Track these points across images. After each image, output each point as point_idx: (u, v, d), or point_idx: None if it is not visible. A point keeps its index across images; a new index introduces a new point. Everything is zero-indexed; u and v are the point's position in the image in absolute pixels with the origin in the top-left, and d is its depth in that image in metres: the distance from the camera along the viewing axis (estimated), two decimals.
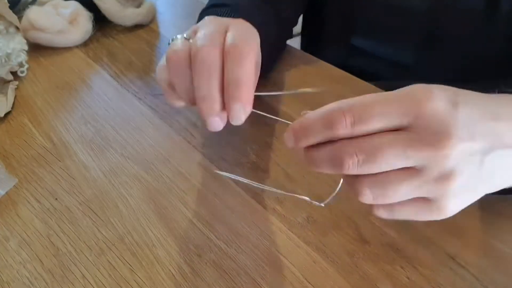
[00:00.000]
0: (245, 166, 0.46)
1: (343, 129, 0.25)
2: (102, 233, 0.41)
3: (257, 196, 0.43)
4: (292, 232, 0.40)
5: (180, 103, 0.35)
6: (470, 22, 0.51)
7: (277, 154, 0.47)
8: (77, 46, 0.67)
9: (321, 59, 0.59)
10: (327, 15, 0.61)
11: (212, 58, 0.31)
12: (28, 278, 0.37)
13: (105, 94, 0.57)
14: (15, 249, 0.40)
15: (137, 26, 0.71)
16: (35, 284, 0.37)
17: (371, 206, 0.29)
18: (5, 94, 0.56)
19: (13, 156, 0.49)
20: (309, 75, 0.58)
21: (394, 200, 0.27)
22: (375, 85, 0.53)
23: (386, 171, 0.26)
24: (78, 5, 0.68)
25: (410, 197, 0.27)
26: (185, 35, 0.34)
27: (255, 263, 0.38)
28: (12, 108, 0.55)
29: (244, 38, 0.33)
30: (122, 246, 0.39)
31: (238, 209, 0.42)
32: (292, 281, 0.36)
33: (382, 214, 0.28)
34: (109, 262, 0.38)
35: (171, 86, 0.34)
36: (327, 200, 0.30)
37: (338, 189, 0.29)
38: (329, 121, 0.25)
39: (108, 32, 0.70)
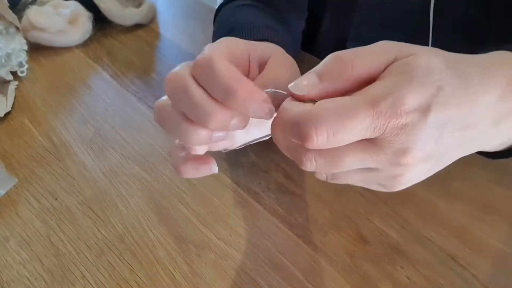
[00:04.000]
0: (245, 166, 0.46)
1: (312, 146, 0.23)
2: (102, 233, 0.41)
3: (257, 196, 0.43)
4: (292, 232, 0.40)
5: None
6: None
7: (277, 154, 0.47)
8: (77, 46, 0.67)
9: None
10: (322, 26, 0.61)
11: None
12: (28, 278, 0.37)
13: (105, 94, 0.57)
14: (15, 249, 0.40)
15: (137, 26, 0.71)
16: (35, 284, 0.37)
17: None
18: (5, 94, 0.56)
19: (13, 156, 0.49)
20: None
21: (339, 170, 0.25)
22: None
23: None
24: (78, 5, 0.68)
25: (357, 168, 0.25)
26: None
27: (255, 263, 0.38)
28: (12, 108, 0.55)
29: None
30: (122, 246, 0.39)
31: (238, 209, 0.42)
32: (292, 281, 0.36)
33: (323, 177, 0.27)
34: (109, 262, 0.38)
35: None
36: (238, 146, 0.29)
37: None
38: (299, 135, 0.24)
39: (108, 32, 0.70)
